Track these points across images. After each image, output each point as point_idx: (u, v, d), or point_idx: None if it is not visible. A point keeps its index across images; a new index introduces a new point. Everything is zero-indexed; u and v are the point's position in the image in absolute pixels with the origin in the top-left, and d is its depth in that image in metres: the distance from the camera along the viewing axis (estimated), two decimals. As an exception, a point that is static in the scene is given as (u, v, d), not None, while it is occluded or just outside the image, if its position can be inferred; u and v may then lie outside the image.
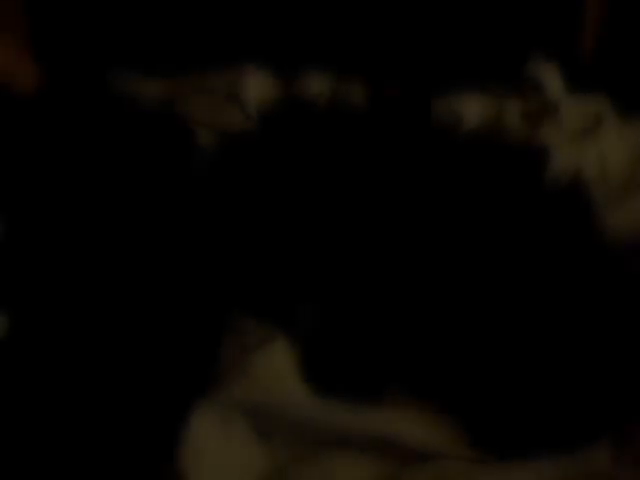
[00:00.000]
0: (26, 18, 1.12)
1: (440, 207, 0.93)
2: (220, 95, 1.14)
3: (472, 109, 1.10)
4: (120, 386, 0.78)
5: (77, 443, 0.75)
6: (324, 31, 1.18)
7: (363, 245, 0.88)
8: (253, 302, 0.86)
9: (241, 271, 0.89)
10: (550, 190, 0.95)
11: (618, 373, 0.78)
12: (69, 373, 0.79)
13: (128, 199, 0.95)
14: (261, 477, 0.74)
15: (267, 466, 0.75)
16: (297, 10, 1.21)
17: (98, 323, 0.83)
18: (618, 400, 0.76)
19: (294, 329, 0.83)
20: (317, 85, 1.12)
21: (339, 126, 1.05)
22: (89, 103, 1.06)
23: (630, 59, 1.41)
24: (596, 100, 1.10)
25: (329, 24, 1.30)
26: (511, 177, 0.96)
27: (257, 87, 1.13)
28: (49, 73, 1.09)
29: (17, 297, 0.84)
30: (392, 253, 0.88)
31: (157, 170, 0.99)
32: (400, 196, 0.94)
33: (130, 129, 1.03)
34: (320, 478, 0.74)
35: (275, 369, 0.79)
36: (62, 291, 0.85)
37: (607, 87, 1.13)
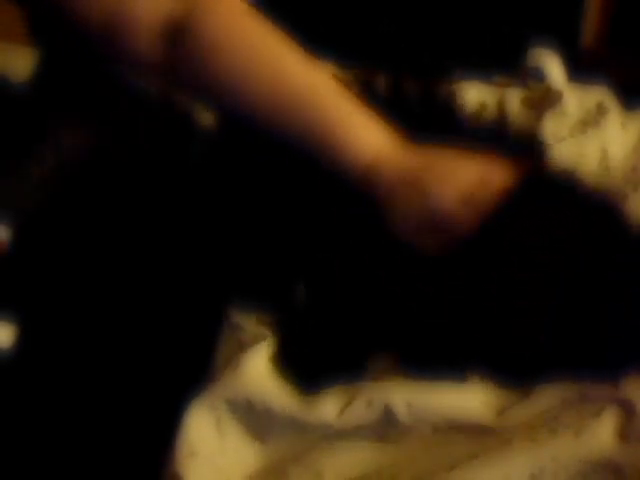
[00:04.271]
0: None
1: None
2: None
3: (472, 97, 1.10)
4: (115, 385, 0.78)
5: (73, 445, 0.76)
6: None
7: (362, 229, 0.88)
8: (247, 290, 0.86)
9: (237, 260, 0.89)
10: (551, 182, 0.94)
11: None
12: (70, 375, 0.80)
13: (123, 187, 0.94)
14: (256, 476, 0.74)
15: (262, 465, 0.75)
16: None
17: (96, 318, 0.83)
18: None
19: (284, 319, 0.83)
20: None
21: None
22: (85, 89, 1.05)
23: (633, 46, 1.41)
24: (598, 90, 1.09)
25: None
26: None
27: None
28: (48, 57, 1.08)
29: (25, 304, 0.84)
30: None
31: (154, 157, 0.98)
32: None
33: (128, 114, 1.03)
34: (317, 475, 0.74)
35: (269, 366, 0.79)
36: (65, 291, 0.85)
37: (609, 75, 1.12)
